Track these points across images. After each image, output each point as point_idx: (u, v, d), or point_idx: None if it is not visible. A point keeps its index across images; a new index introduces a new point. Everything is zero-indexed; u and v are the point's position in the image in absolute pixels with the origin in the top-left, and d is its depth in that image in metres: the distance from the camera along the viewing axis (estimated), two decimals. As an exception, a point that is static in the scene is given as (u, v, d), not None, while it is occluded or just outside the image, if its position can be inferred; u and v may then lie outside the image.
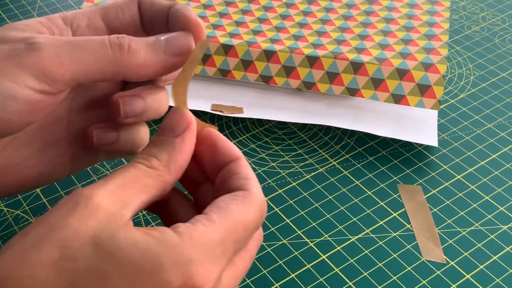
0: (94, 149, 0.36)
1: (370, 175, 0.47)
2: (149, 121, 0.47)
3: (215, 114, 0.52)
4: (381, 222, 0.43)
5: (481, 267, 0.41)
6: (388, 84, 0.49)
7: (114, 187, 0.26)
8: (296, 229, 0.43)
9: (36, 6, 0.65)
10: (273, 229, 0.43)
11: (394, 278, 0.40)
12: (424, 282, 0.40)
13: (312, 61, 0.50)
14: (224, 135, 0.50)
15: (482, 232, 0.43)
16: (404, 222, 0.43)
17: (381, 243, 0.42)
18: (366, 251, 0.42)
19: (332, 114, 0.51)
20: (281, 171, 0.47)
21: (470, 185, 0.46)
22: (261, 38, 0.53)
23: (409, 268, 0.40)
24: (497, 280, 0.40)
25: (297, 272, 0.40)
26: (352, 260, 0.41)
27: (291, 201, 0.45)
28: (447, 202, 0.45)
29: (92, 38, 0.29)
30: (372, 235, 0.43)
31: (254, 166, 0.47)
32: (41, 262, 0.24)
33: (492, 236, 0.43)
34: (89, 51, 0.29)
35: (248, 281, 0.40)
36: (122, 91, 0.33)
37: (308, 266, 0.41)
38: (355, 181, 0.46)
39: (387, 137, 0.50)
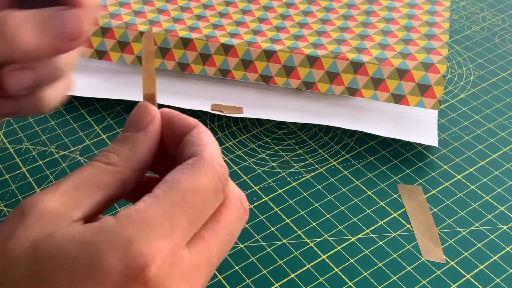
0: None
1: (370, 175, 0.47)
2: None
3: (215, 114, 0.52)
4: (381, 222, 0.43)
5: (481, 267, 0.41)
6: (388, 84, 0.49)
7: (66, 189, 0.26)
8: (296, 229, 0.43)
9: None
10: (273, 229, 0.43)
11: (394, 278, 0.40)
12: (424, 282, 0.40)
13: (312, 61, 0.50)
14: (224, 135, 0.50)
15: (482, 232, 0.43)
16: (404, 222, 0.43)
17: (381, 243, 0.42)
18: (366, 251, 0.41)
19: (332, 114, 0.51)
20: (281, 171, 0.47)
21: (470, 185, 0.46)
22: (261, 38, 0.53)
23: (409, 268, 0.40)
24: (497, 280, 0.40)
25: (297, 272, 0.40)
26: (352, 260, 0.41)
27: (291, 201, 0.45)
28: (447, 202, 0.45)
29: None
30: (372, 235, 0.43)
31: (254, 166, 0.47)
32: None
33: (492, 236, 0.43)
34: None
35: (248, 281, 0.40)
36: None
37: (308, 266, 0.41)
38: (355, 181, 0.46)
39: (387, 137, 0.50)
